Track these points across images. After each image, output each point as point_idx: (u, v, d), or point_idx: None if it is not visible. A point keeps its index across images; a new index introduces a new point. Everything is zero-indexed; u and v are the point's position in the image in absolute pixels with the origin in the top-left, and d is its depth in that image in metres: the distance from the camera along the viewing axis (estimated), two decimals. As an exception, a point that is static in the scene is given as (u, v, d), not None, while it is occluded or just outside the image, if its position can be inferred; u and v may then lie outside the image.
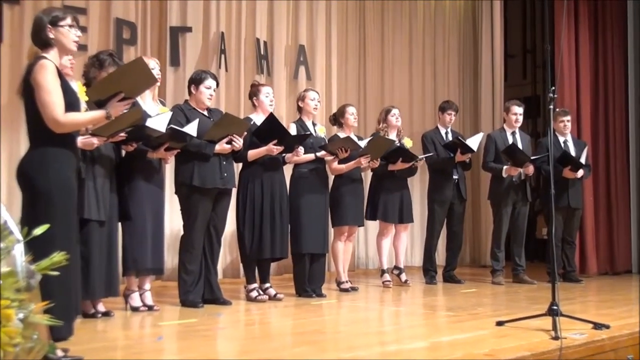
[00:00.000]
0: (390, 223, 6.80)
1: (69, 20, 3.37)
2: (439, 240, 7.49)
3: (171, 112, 4.96)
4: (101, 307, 4.64)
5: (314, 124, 6.11)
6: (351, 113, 6.38)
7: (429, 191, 7.36)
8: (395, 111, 6.85)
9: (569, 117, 7.43)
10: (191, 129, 4.92)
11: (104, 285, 4.56)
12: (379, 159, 6.41)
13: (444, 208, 7.19)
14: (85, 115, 3.48)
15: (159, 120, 4.72)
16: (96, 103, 3.55)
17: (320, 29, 8.26)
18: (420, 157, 6.81)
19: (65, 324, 2.97)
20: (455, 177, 7.14)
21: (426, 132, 7.45)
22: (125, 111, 3.68)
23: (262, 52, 7.70)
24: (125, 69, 3.88)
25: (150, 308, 4.93)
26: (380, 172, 6.70)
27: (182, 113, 5.17)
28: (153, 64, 5.00)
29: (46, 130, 3.23)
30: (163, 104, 5.25)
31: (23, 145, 3.38)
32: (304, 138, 5.70)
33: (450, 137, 7.25)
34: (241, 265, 6.14)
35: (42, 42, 3.34)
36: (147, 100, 4.98)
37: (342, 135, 6.26)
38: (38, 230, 2.69)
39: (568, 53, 8.51)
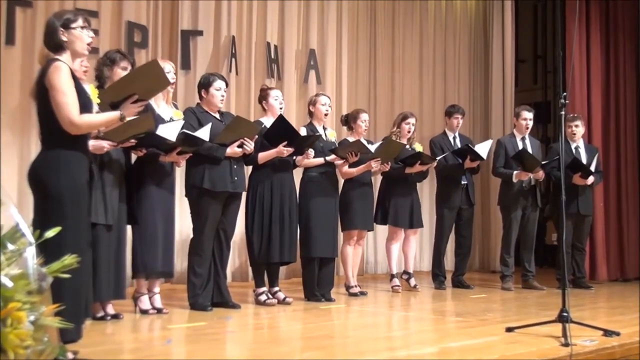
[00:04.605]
0: (400, 228, 6.79)
1: (80, 22, 3.39)
2: (448, 245, 7.48)
3: (183, 121, 4.97)
4: (110, 310, 4.65)
5: (324, 128, 6.11)
6: (363, 120, 6.34)
7: (437, 197, 7.35)
8: (411, 120, 6.79)
9: (577, 123, 7.39)
10: (204, 133, 4.93)
11: (110, 288, 4.57)
12: (389, 163, 6.40)
13: (452, 213, 7.18)
14: (100, 117, 3.51)
15: (170, 128, 4.73)
16: (110, 105, 3.57)
17: (330, 33, 8.26)
18: (437, 157, 6.82)
19: (75, 326, 2.98)
20: (464, 182, 7.12)
21: (434, 137, 7.44)
22: (138, 113, 3.69)
23: (272, 56, 7.71)
24: (139, 71, 3.89)
25: (159, 311, 4.94)
26: (394, 175, 6.68)
27: (194, 116, 5.18)
28: (169, 68, 5.04)
29: (59, 132, 3.24)
30: (176, 107, 5.26)
31: (34, 148, 3.41)
32: (314, 139, 5.70)
33: (458, 142, 7.24)
34: (250, 268, 6.15)
35: (55, 45, 3.35)
36: (160, 104, 5.00)
37: (351, 139, 6.25)
38: (50, 233, 2.70)
39: (579, 58, 8.46)
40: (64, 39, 3.34)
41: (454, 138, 7.29)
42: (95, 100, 3.72)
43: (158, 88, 3.95)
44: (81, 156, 3.33)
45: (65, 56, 3.35)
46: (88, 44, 3.42)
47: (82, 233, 3.27)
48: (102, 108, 3.72)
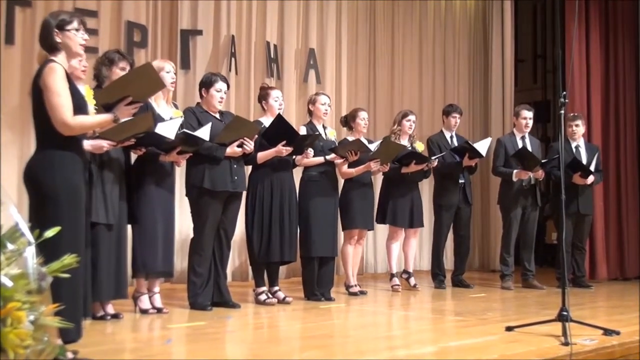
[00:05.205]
0: (400, 227, 6.79)
1: (75, 24, 3.39)
2: (448, 244, 7.48)
3: (182, 119, 4.98)
4: (110, 309, 4.64)
5: (324, 127, 6.11)
6: (362, 118, 6.36)
7: (434, 196, 7.34)
8: (411, 117, 6.82)
9: (577, 122, 7.38)
10: (204, 133, 4.93)
11: (112, 288, 4.57)
12: (389, 163, 6.39)
13: (450, 212, 7.17)
14: (93, 118, 3.53)
15: (168, 126, 4.73)
16: (104, 106, 3.58)
17: (330, 33, 8.27)
18: (433, 157, 6.81)
19: (74, 326, 2.98)
20: (461, 181, 7.12)
21: (432, 136, 7.43)
22: (133, 114, 3.70)
23: (272, 55, 7.72)
24: (133, 74, 3.91)
25: (159, 310, 4.94)
26: (392, 176, 6.68)
27: (194, 116, 5.19)
28: (169, 67, 5.06)
29: (53, 133, 3.25)
30: (176, 106, 5.27)
31: (34, 147, 3.42)
32: (313, 138, 5.70)
33: (455, 141, 7.24)
34: (250, 268, 6.15)
35: (49, 46, 3.36)
36: (161, 104, 5.00)
37: (351, 138, 6.25)
38: (49, 233, 2.70)
39: (579, 57, 8.46)
40: (58, 40, 3.35)
41: (451, 137, 7.29)
42: (90, 101, 3.73)
43: (152, 90, 3.96)
44: (75, 156, 3.32)
45: (61, 56, 3.36)
46: (81, 45, 3.42)
47: (79, 232, 3.26)
48: (99, 109, 3.73)
